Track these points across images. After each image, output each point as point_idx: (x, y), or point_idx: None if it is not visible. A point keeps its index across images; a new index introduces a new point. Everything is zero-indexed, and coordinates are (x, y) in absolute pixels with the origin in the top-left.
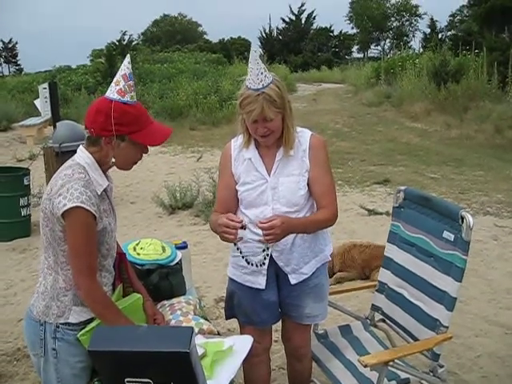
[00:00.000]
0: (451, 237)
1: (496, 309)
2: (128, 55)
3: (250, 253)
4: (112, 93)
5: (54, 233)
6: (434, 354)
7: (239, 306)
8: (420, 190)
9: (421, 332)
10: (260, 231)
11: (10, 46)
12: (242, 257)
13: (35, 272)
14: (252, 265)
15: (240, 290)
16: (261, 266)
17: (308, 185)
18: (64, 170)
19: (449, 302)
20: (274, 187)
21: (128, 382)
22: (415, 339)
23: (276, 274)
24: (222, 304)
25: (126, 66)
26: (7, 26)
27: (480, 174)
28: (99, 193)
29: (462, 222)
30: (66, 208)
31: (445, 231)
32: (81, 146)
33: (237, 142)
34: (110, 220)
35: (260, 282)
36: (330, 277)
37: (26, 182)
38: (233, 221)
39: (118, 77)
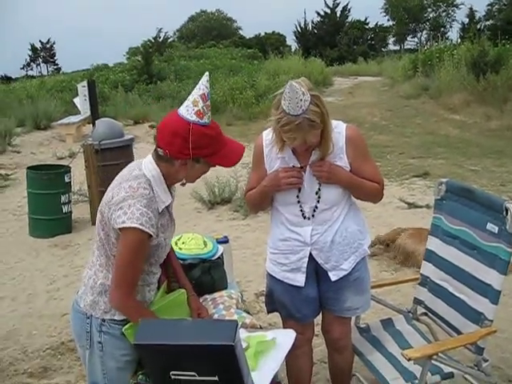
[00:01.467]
0: (495, 229)
1: None
2: (207, 73)
3: (288, 251)
4: (190, 114)
5: (108, 237)
6: (478, 347)
7: (279, 301)
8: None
9: (464, 326)
10: (300, 230)
11: (47, 45)
12: (283, 254)
13: (77, 268)
14: (292, 262)
15: (279, 285)
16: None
17: None
18: (129, 179)
19: (493, 295)
20: (310, 185)
21: (173, 375)
22: (459, 333)
23: (315, 270)
24: (263, 298)
25: (204, 86)
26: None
27: None
28: (160, 210)
29: (507, 213)
30: (124, 226)
31: (488, 223)
32: (150, 157)
33: (268, 136)
34: (166, 235)
35: (299, 279)
36: None
37: (67, 180)
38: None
39: (195, 96)
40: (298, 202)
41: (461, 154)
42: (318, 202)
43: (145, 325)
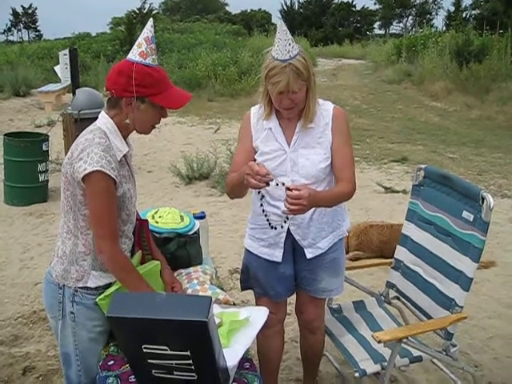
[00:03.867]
0: (470, 217)
1: (510, 291)
2: (151, 19)
3: (265, 225)
4: (134, 55)
5: (74, 197)
6: (448, 333)
7: (255, 278)
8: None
9: (435, 311)
10: (279, 203)
11: (29, 11)
12: (267, 220)
13: (52, 237)
14: (273, 228)
15: (256, 262)
16: (281, 228)
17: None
18: (85, 134)
19: (465, 282)
20: (293, 158)
21: (145, 348)
22: (429, 317)
23: (293, 247)
24: (237, 275)
25: (148, 30)
26: None
27: (499, 156)
28: (119, 158)
29: (483, 202)
30: (86, 172)
31: (464, 211)
32: (102, 111)
33: (257, 110)
34: (129, 186)
35: (277, 254)
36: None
37: (44, 148)
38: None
39: (140, 39)
40: (279, 175)
41: (440, 142)
42: (296, 175)
43: (118, 297)
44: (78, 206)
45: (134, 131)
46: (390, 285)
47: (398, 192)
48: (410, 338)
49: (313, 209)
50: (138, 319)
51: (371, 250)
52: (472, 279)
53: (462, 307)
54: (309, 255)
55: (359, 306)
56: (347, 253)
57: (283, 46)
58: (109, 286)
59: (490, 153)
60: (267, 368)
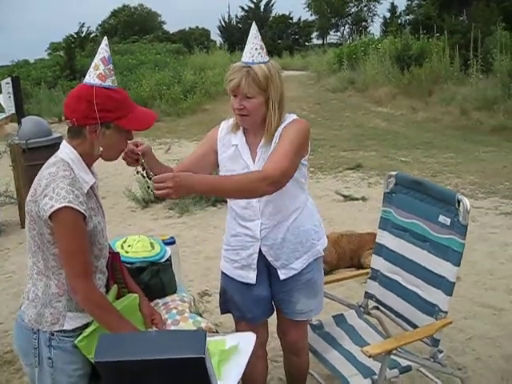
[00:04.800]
0: (447, 221)
1: (481, 290)
2: (105, 37)
3: (239, 246)
4: (92, 78)
5: (42, 236)
6: (434, 339)
7: (232, 300)
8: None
9: (418, 318)
10: (250, 224)
11: None
12: (234, 250)
13: (8, 274)
14: (242, 259)
15: (232, 284)
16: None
17: None
18: (47, 167)
19: (447, 286)
20: None
21: None
22: (412, 325)
23: (267, 268)
24: (207, 298)
25: (103, 50)
26: None
27: (450, 156)
28: (86, 190)
29: (459, 205)
30: (53, 209)
31: (440, 215)
32: (64, 140)
33: (227, 123)
34: (99, 219)
35: (251, 276)
36: (328, 273)
37: None
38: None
39: (96, 61)
40: None
41: (390, 146)
42: None
43: (104, 339)
44: (46, 246)
45: (99, 159)
46: (368, 295)
47: (357, 199)
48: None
49: (285, 228)
50: (129, 362)
51: (345, 260)
52: (454, 283)
53: (446, 312)
54: (282, 276)
55: (340, 319)
56: (329, 272)
57: (249, 48)
58: (86, 326)
59: (442, 153)
60: None
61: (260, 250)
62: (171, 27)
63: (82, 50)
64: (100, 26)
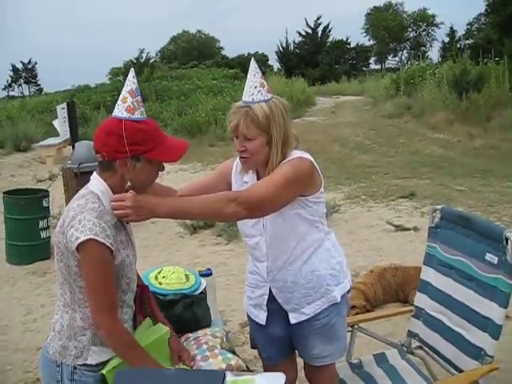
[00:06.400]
0: (494, 259)
1: None
2: (132, 70)
3: (253, 285)
4: (120, 111)
5: (69, 268)
6: None
7: (253, 336)
8: (453, 206)
9: (463, 361)
10: (259, 265)
11: (29, 66)
12: (249, 287)
13: (55, 297)
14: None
15: (250, 320)
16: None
17: None
18: (77, 199)
19: (493, 329)
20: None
21: None
22: (456, 368)
23: (282, 308)
24: (248, 329)
25: (131, 82)
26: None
27: (508, 185)
28: (114, 223)
29: (507, 243)
30: (79, 241)
31: (487, 253)
32: (94, 172)
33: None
34: (128, 252)
35: (261, 317)
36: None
37: (45, 204)
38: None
39: (124, 93)
40: (253, 235)
41: (446, 174)
42: (266, 234)
43: (122, 375)
44: (73, 278)
45: None
46: (411, 334)
47: (408, 229)
48: None
49: (296, 271)
50: None
51: (391, 294)
52: (501, 326)
53: (492, 357)
54: (293, 320)
55: (381, 358)
56: (373, 307)
57: (248, 87)
58: (110, 360)
59: (499, 182)
60: None
61: (271, 291)
62: (230, 52)
63: (141, 75)
64: (160, 51)
